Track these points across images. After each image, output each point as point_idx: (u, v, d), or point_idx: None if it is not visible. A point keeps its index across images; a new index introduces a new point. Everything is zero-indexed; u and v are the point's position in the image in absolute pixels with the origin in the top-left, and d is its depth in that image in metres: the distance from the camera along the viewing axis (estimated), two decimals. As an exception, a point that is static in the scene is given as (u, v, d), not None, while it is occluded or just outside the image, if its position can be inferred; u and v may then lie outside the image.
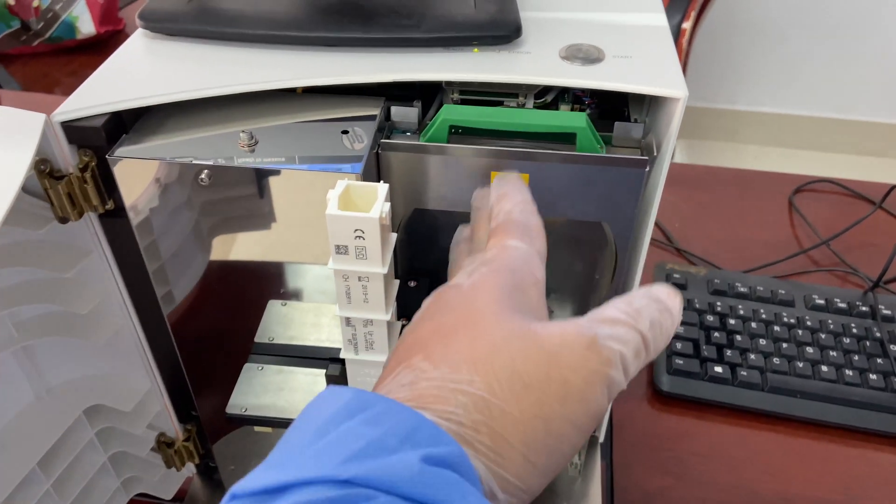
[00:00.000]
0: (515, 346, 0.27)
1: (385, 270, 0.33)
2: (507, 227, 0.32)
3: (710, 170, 0.90)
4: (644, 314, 0.28)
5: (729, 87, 2.22)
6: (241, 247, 0.41)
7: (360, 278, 0.34)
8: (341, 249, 0.33)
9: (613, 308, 0.29)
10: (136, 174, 0.36)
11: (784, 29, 2.07)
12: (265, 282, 0.43)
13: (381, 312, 0.35)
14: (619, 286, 0.43)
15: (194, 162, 0.35)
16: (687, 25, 1.40)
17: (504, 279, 0.30)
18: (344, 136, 0.37)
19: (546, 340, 0.27)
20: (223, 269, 0.42)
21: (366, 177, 0.36)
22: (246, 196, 0.38)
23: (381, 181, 0.36)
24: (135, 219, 0.38)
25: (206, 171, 0.36)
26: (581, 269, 0.43)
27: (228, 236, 0.41)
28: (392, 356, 0.30)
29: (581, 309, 0.45)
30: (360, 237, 0.32)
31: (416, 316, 0.31)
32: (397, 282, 0.38)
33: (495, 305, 0.28)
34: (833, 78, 2.14)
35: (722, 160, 2.23)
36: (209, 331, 0.45)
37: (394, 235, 0.35)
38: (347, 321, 0.36)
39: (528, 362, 0.26)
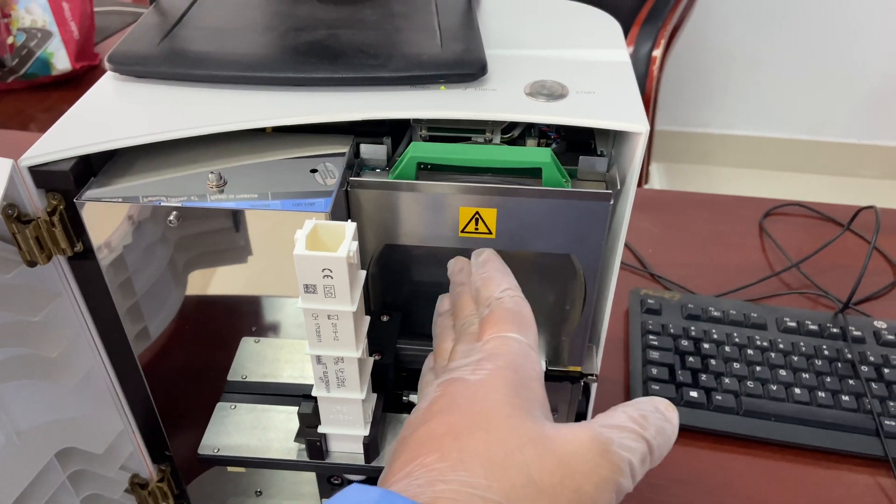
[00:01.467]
0: (530, 452, 0.28)
1: (354, 308, 0.34)
2: (502, 317, 0.33)
3: (682, 195, 0.91)
4: (650, 421, 0.30)
5: (701, 111, 2.26)
6: (211, 286, 0.41)
7: (329, 317, 0.34)
8: (310, 288, 0.33)
9: (622, 414, 0.30)
10: (105, 217, 0.36)
11: (754, 53, 2.12)
12: (237, 319, 0.43)
13: (352, 350, 0.35)
14: (590, 316, 0.43)
15: (162, 204, 0.35)
16: (657, 53, 1.43)
17: (510, 377, 0.31)
18: (313, 174, 0.38)
19: (560, 447, 0.28)
20: (194, 309, 0.42)
21: (335, 213, 0.36)
22: (216, 236, 0.38)
23: (350, 219, 0.36)
24: (104, 261, 0.38)
25: (174, 212, 0.36)
26: (552, 300, 0.43)
27: (199, 277, 0.41)
28: (402, 448, 0.30)
29: (552, 340, 0.45)
30: (328, 276, 0.32)
31: (423, 405, 0.32)
32: (368, 318, 0.38)
33: (508, 408, 0.29)
34: (803, 100, 2.19)
35: (696, 182, 2.26)
36: (182, 370, 0.45)
37: (363, 273, 0.35)
38: (318, 359, 0.36)
39: (542, 470, 0.27)
